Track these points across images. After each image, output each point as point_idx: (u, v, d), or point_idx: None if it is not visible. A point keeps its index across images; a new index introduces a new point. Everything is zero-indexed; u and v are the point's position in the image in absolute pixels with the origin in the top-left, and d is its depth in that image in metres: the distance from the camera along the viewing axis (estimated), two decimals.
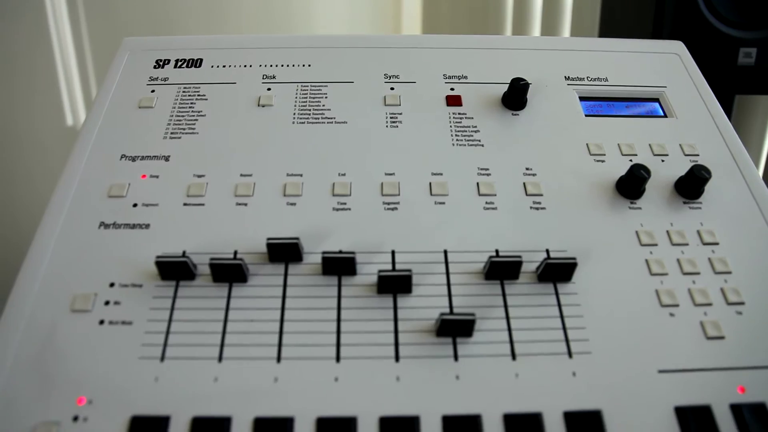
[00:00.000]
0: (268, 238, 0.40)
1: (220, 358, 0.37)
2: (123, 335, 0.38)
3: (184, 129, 0.49)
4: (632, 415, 0.36)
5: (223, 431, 0.34)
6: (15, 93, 1.31)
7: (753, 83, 0.80)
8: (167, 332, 0.38)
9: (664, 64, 0.56)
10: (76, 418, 0.35)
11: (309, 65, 0.54)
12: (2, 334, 0.38)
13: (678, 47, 0.58)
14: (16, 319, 0.39)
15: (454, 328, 0.37)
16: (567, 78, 0.54)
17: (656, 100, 0.53)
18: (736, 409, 0.36)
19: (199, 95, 0.52)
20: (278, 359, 0.37)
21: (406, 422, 0.34)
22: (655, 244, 0.43)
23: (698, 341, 0.39)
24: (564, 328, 0.38)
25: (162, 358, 0.37)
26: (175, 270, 0.40)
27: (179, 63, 0.55)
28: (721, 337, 0.39)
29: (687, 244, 0.43)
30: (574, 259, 0.40)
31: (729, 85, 0.81)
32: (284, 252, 0.40)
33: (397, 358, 0.37)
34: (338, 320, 0.38)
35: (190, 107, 0.51)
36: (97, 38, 1.38)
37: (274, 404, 0.35)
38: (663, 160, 0.48)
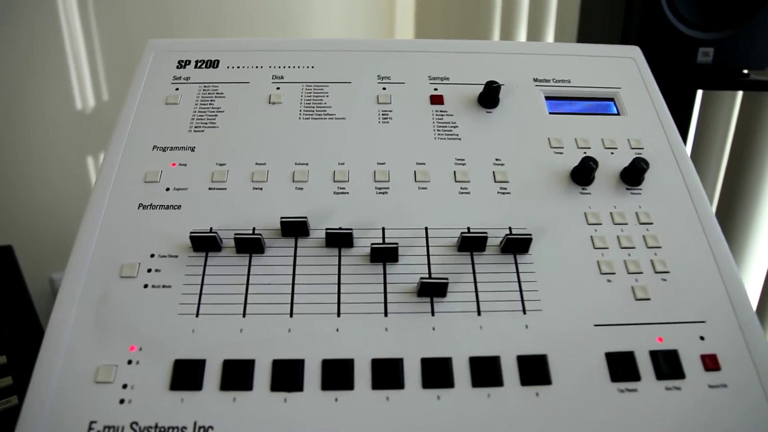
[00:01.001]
0: (282, 217, 0.49)
1: (244, 314, 0.46)
2: (164, 296, 0.47)
3: (206, 123, 0.57)
4: (571, 358, 0.45)
5: (248, 371, 0.43)
6: (29, 79, 1.38)
7: (711, 80, 0.89)
8: (200, 294, 0.47)
9: (621, 67, 0.64)
10: (129, 362, 0.44)
11: (313, 67, 0.62)
12: (64, 297, 0.46)
13: (634, 52, 0.66)
14: (74, 285, 0.47)
15: (432, 290, 0.46)
16: (535, 80, 0.62)
17: (611, 99, 0.62)
18: (654, 355, 0.45)
19: (217, 93, 0.60)
20: (291, 314, 0.46)
21: (392, 363, 0.44)
22: (600, 224, 0.52)
23: (628, 302, 0.48)
24: (520, 291, 0.48)
25: (197, 314, 0.46)
26: (205, 243, 0.48)
27: (199, 64, 0.63)
28: (647, 299, 0.48)
29: (626, 224, 0.52)
30: (530, 235, 0.49)
31: (690, 81, 0.89)
32: (294, 228, 0.49)
33: (386, 313, 0.46)
34: (338, 283, 0.47)
35: (210, 104, 0.59)
36: (105, 28, 1.45)
37: (288, 349, 0.44)
38: (612, 153, 0.57)
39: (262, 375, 0.43)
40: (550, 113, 0.60)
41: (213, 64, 0.62)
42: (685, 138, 0.99)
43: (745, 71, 0.91)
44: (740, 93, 1.06)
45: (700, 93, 1.09)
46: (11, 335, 0.73)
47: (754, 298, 1.15)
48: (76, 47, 1.39)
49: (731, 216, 1.11)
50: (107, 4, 1.40)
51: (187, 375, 0.43)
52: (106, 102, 1.48)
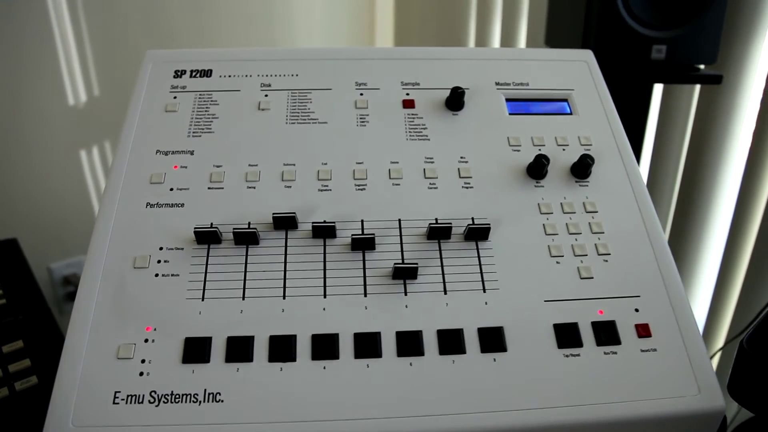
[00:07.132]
0: (273, 213, 0.56)
1: (243, 297, 0.53)
2: (173, 283, 0.54)
3: (203, 129, 0.64)
4: (524, 329, 0.53)
5: (248, 346, 0.50)
6: (22, 77, 1.43)
7: (664, 74, 0.97)
8: (204, 281, 0.54)
9: (574, 70, 0.72)
10: (146, 340, 0.51)
11: (297, 75, 0.69)
12: (86, 287, 0.53)
13: (587, 56, 0.73)
14: (94, 275, 0.54)
15: (404, 273, 0.54)
16: (497, 83, 0.69)
17: (565, 100, 0.69)
18: (595, 325, 0.53)
19: (212, 101, 0.66)
20: (284, 296, 0.53)
21: (371, 336, 0.51)
22: (551, 213, 0.60)
23: (574, 280, 0.56)
24: (481, 272, 0.55)
25: (202, 299, 0.53)
26: (207, 237, 0.55)
27: (193, 73, 0.69)
28: (591, 278, 0.56)
29: (574, 212, 0.60)
30: (489, 224, 0.56)
31: (645, 76, 0.97)
32: (285, 222, 0.56)
33: (365, 294, 0.53)
34: (324, 269, 0.55)
35: (205, 111, 0.65)
36: (95, 25, 1.49)
37: (282, 326, 0.51)
38: (564, 150, 0.64)
39: (261, 348, 0.50)
40: (510, 114, 0.67)
41: (206, 73, 0.69)
42: (643, 128, 1.07)
43: (701, 66, 0.99)
44: (698, 86, 1.14)
45: (660, 87, 1.17)
46: (25, 322, 0.79)
47: (712, 276, 1.23)
48: (66, 45, 1.44)
49: (692, 199, 1.19)
50: (97, 1, 1.44)
51: (196, 350, 0.50)
52: (97, 97, 1.53)
